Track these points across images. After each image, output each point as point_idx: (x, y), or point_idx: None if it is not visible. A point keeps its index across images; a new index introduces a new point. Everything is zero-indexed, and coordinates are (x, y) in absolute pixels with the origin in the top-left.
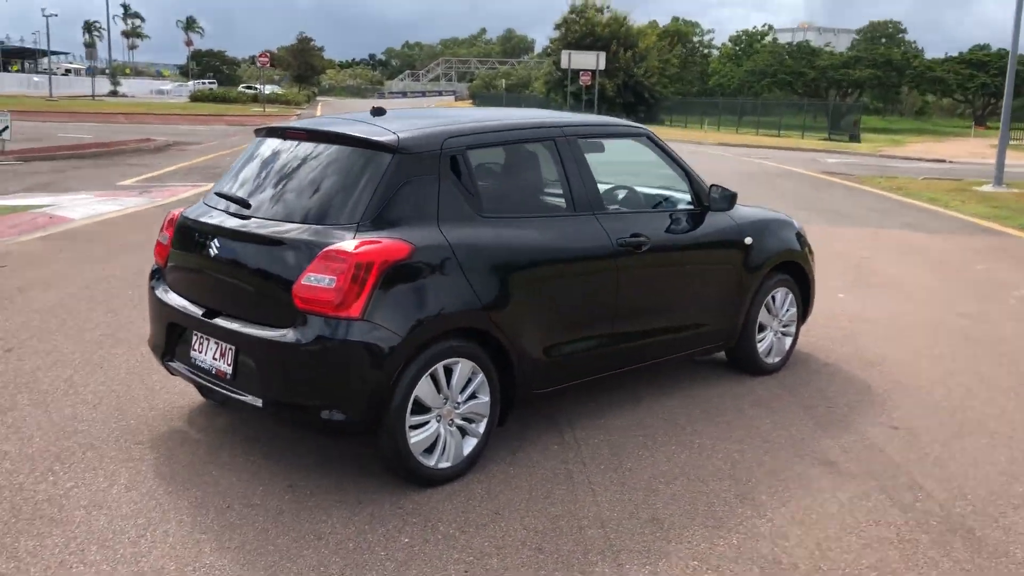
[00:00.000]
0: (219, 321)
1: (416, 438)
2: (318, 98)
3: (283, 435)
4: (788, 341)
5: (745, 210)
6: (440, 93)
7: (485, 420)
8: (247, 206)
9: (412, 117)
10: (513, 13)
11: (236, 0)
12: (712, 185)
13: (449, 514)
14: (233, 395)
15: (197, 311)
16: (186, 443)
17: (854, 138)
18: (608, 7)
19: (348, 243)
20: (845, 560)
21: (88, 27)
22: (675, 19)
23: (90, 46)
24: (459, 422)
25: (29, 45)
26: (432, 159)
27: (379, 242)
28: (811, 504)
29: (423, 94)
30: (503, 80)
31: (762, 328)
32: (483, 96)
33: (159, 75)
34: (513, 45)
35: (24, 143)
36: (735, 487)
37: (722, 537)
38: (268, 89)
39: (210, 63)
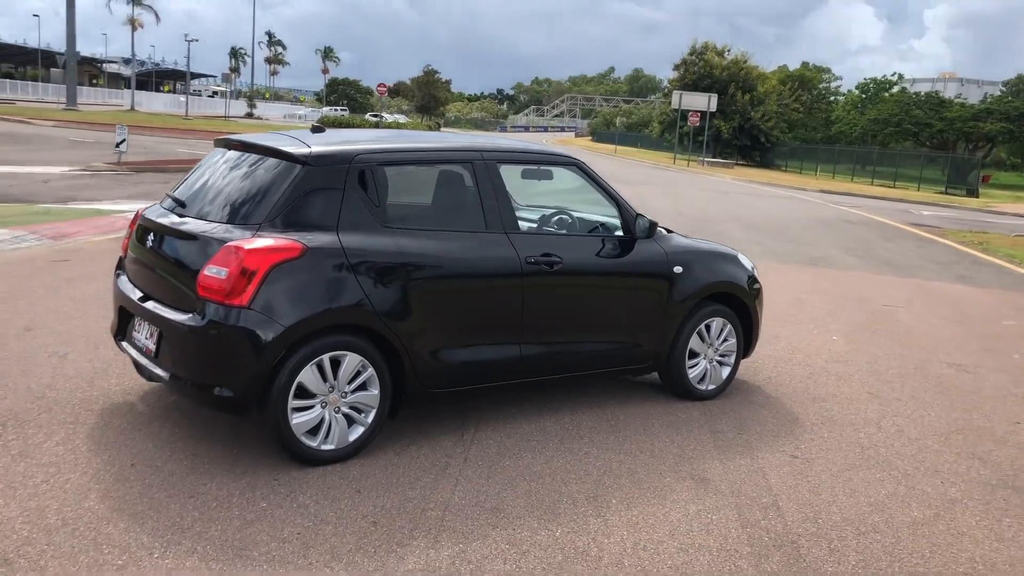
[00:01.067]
0: (149, 305)
1: (299, 420)
2: (442, 129)
3: (220, 417)
4: (726, 371)
5: (682, 241)
6: (562, 129)
7: (374, 411)
8: (183, 206)
9: (343, 136)
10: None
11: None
12: (638, 215)
13: (314, 488)
14: (155, 371)
15: (136, 296)
16: (129, 414)
17: (972, 192)
18: (729, 50)
19: (245, 240)
20: (652, 559)
21: (234, 53)
22: (804, 64)
23: (234, 70)
24: (346, 410)
25: (181, 68)
26: (339, 173)
27: (272, 240)
28: (656, 511)
29: (545, 129)
30: (624, 118)
31: (694, 355)
32: (601, 133)
33: (296, 100)
34: (641, 85)
35: (141, 156)
36: (593, 490)
37: (548, 529)
38: (391, 118)
39: (345, 91)
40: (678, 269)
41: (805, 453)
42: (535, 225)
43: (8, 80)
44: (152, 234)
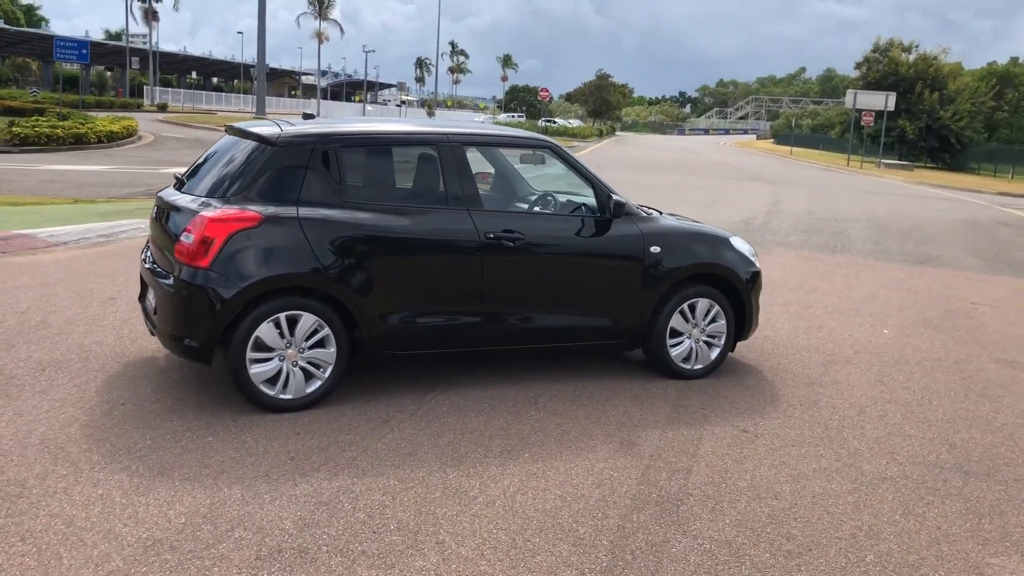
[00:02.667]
0: (151, 269)
1: (257, 369)
2: (617, 133)
3: (215, 374)
4: (715, 351)
5: (666, 222)
6: (744, 131)
7: (331, 367)
8: (182, 184)
9: (323, 122)
10: (839, 52)
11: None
12: (612, 196)
13: (261, 429)
14: (153, 326)
15: (147, 266)
16: (146, 366)
17: None
18: (917, 46)
19: (210, 211)
20: (525, 502)
21: (419, 63)
22: (1012, 60)
23: (419, 80)
24: (303, 364)
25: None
26: (302, 153)
27: (234, 210)
28: (559, 466)
29: (726, 131)
30: (808, 120)
31: (677, 334)
32: (783, 135)
33: (476, 108)
34: (833, 85)
35: None
36: (514, 446)
37: (444, 472)
38: (560, 122)
39: (524, 97)
40: (655, 249)
41: (759, 429)
42: (531, 208)
43: (216, 92)
44: (159, 211)
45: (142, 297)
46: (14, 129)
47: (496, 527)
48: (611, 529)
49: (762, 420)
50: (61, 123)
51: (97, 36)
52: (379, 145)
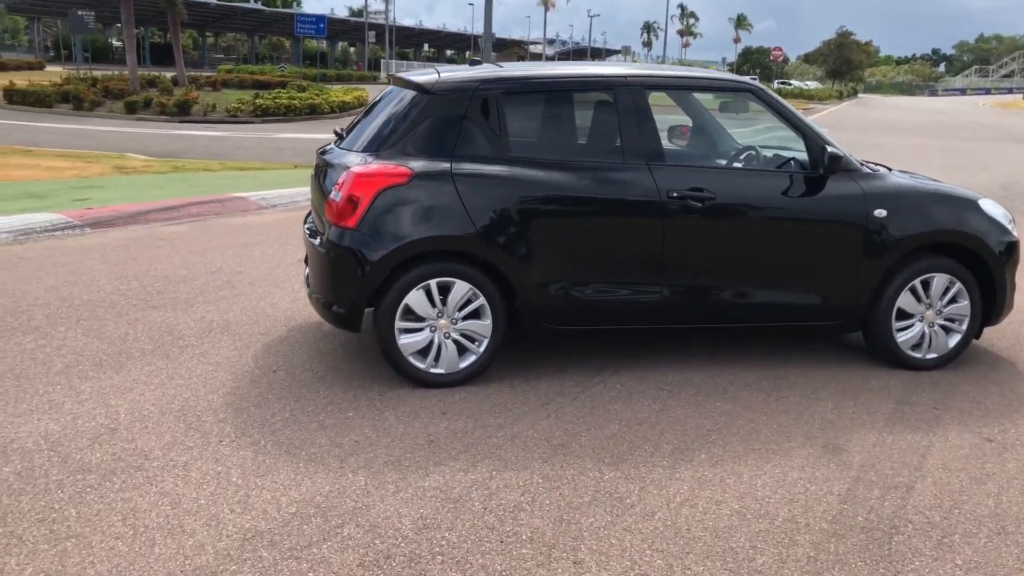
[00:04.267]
0: (309, 230)
1: (406, 340)
2: (859, 95)
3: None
4: (954, 338)
5: (896, 180)
6: (1009, 90)
7: (486, 341)
8: (342, 139)
9: (490, 67)
10: None
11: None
12: (827, 147)
13: (407, 406)
14: (309, 291)
15: (306, 226)
16: (311, 331)
17: None
18: None
19: (358, 167)
20: (692, 518)
21: (647, 27)
22: None
23: (646, 45)
24: (456, 337)
25: (598, 46)
26: (460, 101)
27: (381, 165)
28: (743, 472)
29: (987, 91)
30: None
31: (905, 315)
32: None
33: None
34: None
35: None
36: (689, 443)
37: (599, 471)
38: (796, 84)
39: (758, 59)
40: (880, 212)
41: (1008, 438)
42: (728, 164)
43: (448, 64)
44: (317, 168)
45: (306, 260)
46: (257, 101)
47: (651, 547)
48: (798, 561)
49: (1013, 427)
50: (299, 95)
51: (342, 14)
52: (545, 91)
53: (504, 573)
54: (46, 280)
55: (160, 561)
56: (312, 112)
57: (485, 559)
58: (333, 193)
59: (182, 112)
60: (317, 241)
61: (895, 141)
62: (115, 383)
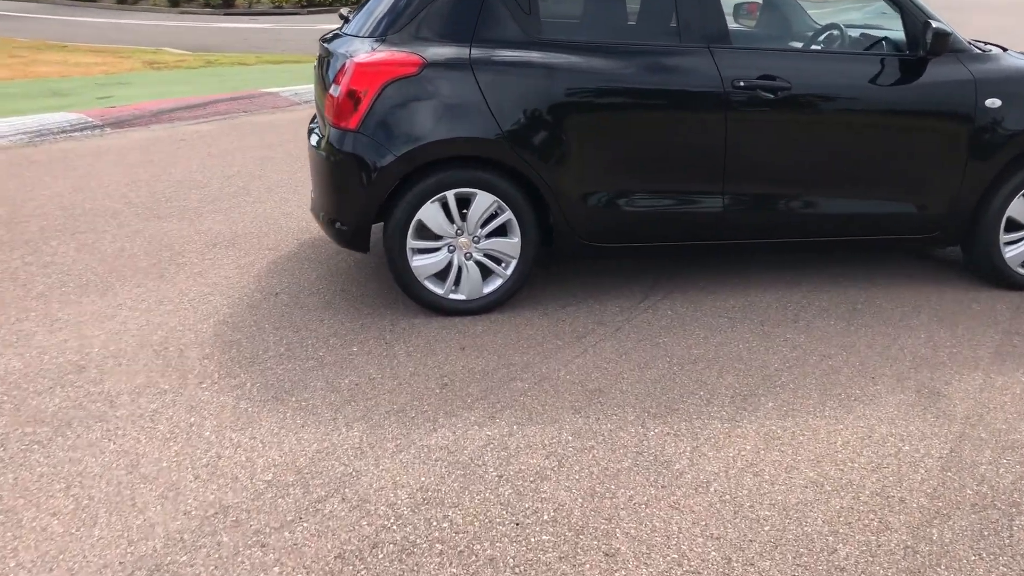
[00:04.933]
0: (308, 130)
1: (420, 261)
2: None
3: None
4: None
5: (1010, 61)
6: None
7: (514, 262)
8: (347, 23)
9: None
10: None
11: None
12: (929, 22)
13: (420, 339)
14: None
15: (311, 125)
16: (322, 247)
17: None
18: None
19: (360, 55)
20: (757, 489)
21: None
22: None
23: None
24: (479, 257)
25: None
26: None
27: (386, 54)
28: (822, 427)
29: None
30: None
31: (1017, 226)
32: None
33: None
34: None
35: None
36: (753, 386)
37: (639, 426)
38: None
39: None
40: (993, 103)
41: None
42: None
43: None
44: (320, 59)
45: None
46: None
47: (704, 532)
48: (892, 554)
49: None
50: None
51: None
52: None
53: (518, 569)
54: (52, 187)
55: (96, 548)
56: (356, 1)
57: (495, 549)
58: (332, 88)
59: (226, 4)
60: (317, 144)
61: (981, 20)
62: (96, 309)
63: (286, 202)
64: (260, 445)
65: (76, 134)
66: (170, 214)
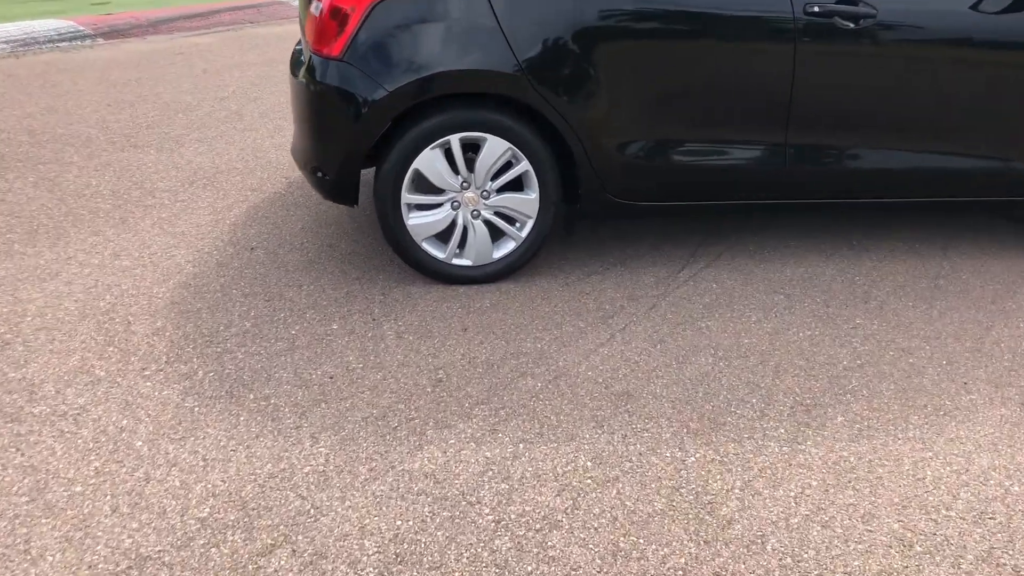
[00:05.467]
0: (298, 47)
1: (417, 220)
2: None
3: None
4: None
5: None
6: None
7: (531, 223)
8: None
9: None
10: None
11: None
12: None
13: (414, 316)
14: None
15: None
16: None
17: None
18: None
19: None
20: (814, 541)
21: None
22: None
23: None
24: (488, 216)
25: None
26: None
27: None
28: (902, 451)
29: None
30: None
31: None
32: None
33: None
34: None
35: None
36: (812, 390)
37: (676, 443)
38: None
39: None
40: None
41: None
42: None
43: None
44: None
45: None
46: None
47: None
48: None
49: None
50: None
51: None
52: None
53: None
54: (25, 106)
55: None
56: None
57: None
58: (314, 4)
59: None
60: (296, 74)
61: None
62: (41, 263)
63: (280, 131)
64: (201, 463)
65: (64, 44)
66: (148, 143)
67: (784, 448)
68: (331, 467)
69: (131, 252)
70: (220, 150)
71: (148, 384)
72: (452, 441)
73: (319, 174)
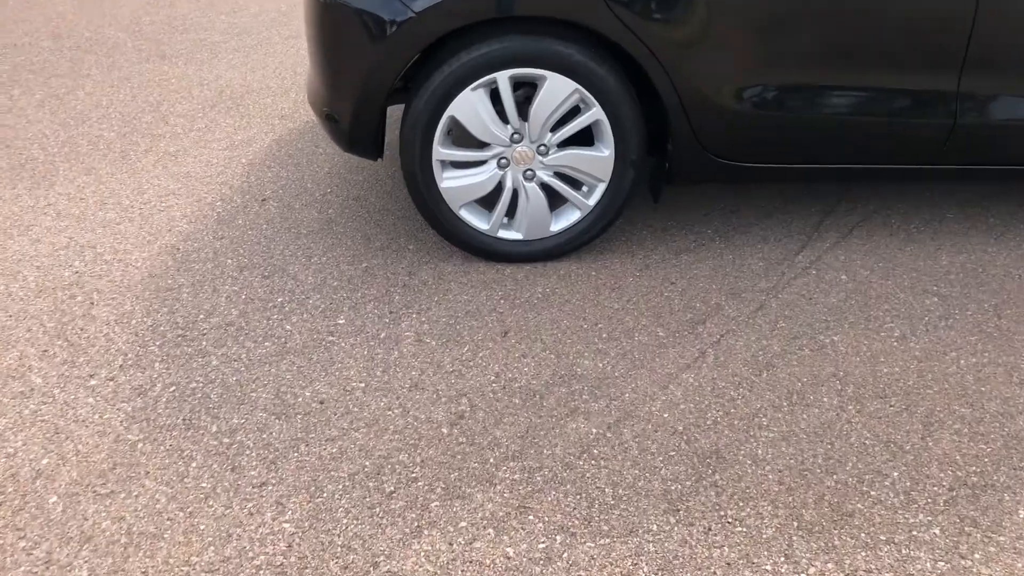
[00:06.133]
0: None
1: (452, 181)
2: None
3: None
4: None
5: None
6: None
7: (602, 186)
8: None
9: None
10: None
11: None
12: None
13: (442, 307)
14: None
15: None
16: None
17: None
18: None
19: None
20: None
21: None
22: None
23: None
24: (545, 177)
25: None
26: None
27: None
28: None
29: None
30: None
31: None
32: None
33: None
34: None
35: None
36: (972, 471)
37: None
38: None
39: None
40: None
41: None
42: None
43: None
44: None
45: None
46: None
47: None
48: None
49: None
50: None
51: None
52: None
53: None
54: (55, 4)
55: None
56: None
57: None
58: None
59: None
60: (310, 5)
61: None
62: (15, 211)
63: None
64: (122, 540)
65: None
66: (178, 53)
67: (939, 563)
68: (292, 558)
69: (121, 199)
70: (256, 63)
71: (90, 401)
72: (463, 524)
73: (332, 117)
